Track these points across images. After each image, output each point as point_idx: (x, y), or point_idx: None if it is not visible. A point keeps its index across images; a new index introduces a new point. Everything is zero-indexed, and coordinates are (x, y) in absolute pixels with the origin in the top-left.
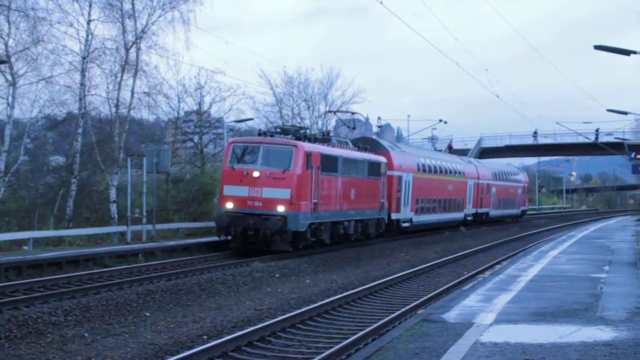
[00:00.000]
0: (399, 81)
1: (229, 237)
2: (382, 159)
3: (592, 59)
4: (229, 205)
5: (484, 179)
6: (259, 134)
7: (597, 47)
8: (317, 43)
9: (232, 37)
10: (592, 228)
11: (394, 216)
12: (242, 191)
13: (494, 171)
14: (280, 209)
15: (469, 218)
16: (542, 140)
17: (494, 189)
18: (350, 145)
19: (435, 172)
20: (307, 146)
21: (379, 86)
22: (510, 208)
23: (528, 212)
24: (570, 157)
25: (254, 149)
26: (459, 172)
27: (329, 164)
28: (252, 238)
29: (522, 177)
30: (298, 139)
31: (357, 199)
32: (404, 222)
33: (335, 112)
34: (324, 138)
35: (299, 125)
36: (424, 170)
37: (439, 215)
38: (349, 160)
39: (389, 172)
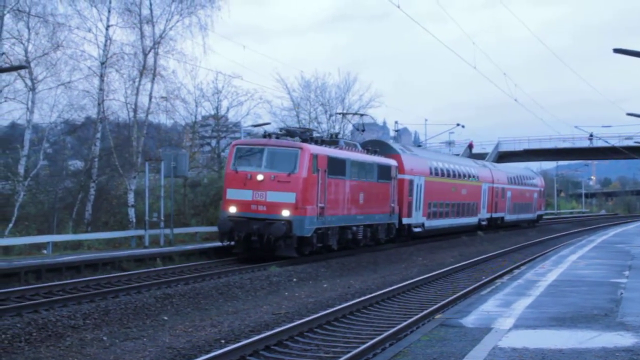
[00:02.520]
0: (418, 86)
1: (232, 243)
2: (392, 162)
3: (611, 62)
4: (232, 209)
5: (499, 183)
6: (264, 136)
7: (617, 51)
8: (339, 48)
9: (255, 44)
10: (611, 233)
11: (405, 221)
12: (246, 195)
13: (509, 175)
14: (285, 213)
15: (483, 223)
16: (560, 144)
17: (509, 193)
18: (359, 148)
19: (449, 175)
20: (313, 149)
21: (398, 90)
22: (526, 212)
23: (546, 217)
24: (589, 161)
25: (258, 151)
26: (473, 176)
27: (336, 167)
28: (256, 243)
29: (538, 181)
30: (305, 141)
31: (366, 203)
32: (415, 227)
33: (344, 115)
34: (332, 140)
35: (307, 127)
36: (437, 174)
37: (452, 220)
38: (357, 163)
39: (400, 176)
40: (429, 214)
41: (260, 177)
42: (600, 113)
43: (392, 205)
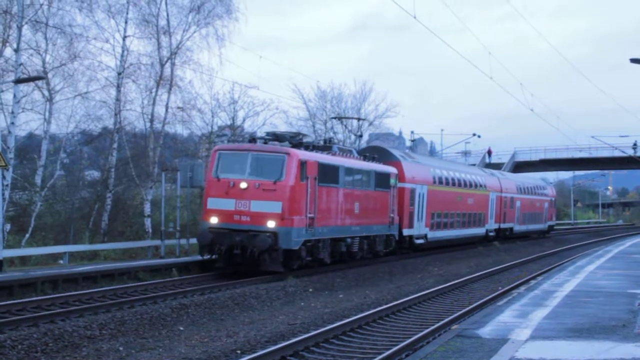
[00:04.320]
0: (438, 97)
1: (214, 256)
2: (391, 170)
3: (628, 72)
4: (214, 220)
5: (508, 192)
6: (250, 141)
7: (633, 61)
8: (360, 60)
9: (277, 56)
10: (628, 243)
11: (406, 232)
12: (228, 204)
13: (519, 184)
14: (271, 224)
15: (491, 234)
16: (577, 154)
17: (518, 203)
18: (355, 154)
19: (454, 184)
20: (302, 154)
21: (419, 101)
22: (536, 223)
23: (563, 227)
24: (606, 171)
25: (242, 157)
26: (480, 185)
27: (328, 174)
28: (239, 257)
29: (549, 190)
30: (294, 146)
31: (362, 213)
32: (417, 238)
33: (339, 119)
34: (324, 146)
35: (297, 132)
36: (441, 182)
37: (457, 231)
38: (352, 171)
39: (400, 184)
40: (432, 224)
41: (243, 185)
42: (617, 123)
43: (392, 215)
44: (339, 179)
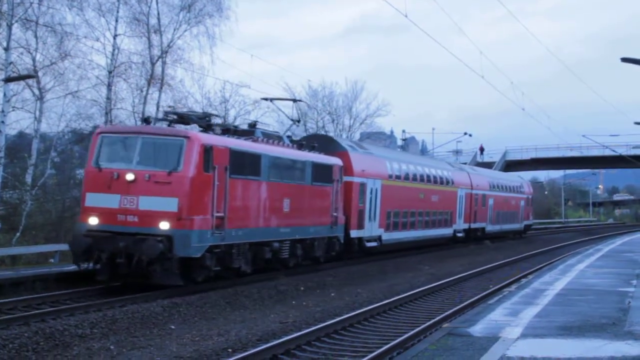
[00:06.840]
0: (430, 96)
1: (98, 266)
2: (334, 161)
3: (623, 73)
4: (93, 221)
5: (479, 189)
6: (143, 121)
7: (624, 60)
8: (355, 60)
9: (274, 56)
10: (619, 242)
11: (354, 234)
12: (111, 201)
13: (491, 180)
14: (164, 226)
15: (460, 234)
16: (568, 153)
17: (490, 201)
18: (286, 141)
19: (414, 179)
20: (207, 138)
21: (411, 100)
22: (511, 222)
23: (555, 226)
24: (597, 170)
25: (129, 141)
26: (447, 181)
27: (244, 164)
28: (123, 267)
29: (526, 187)
30: (204, 129)
31: (293, 212)
32: (369, 241)
33: (270, 100)
34: (245, 130)
35: (208, 112)
36: (398, 177)
37: (419, 232)
38: (279, 161)
39: (347, 178)
40: (388, 225)
41: (130, 177)
42: (608, 122)
43: (335, 214)
44: (261, 170)
